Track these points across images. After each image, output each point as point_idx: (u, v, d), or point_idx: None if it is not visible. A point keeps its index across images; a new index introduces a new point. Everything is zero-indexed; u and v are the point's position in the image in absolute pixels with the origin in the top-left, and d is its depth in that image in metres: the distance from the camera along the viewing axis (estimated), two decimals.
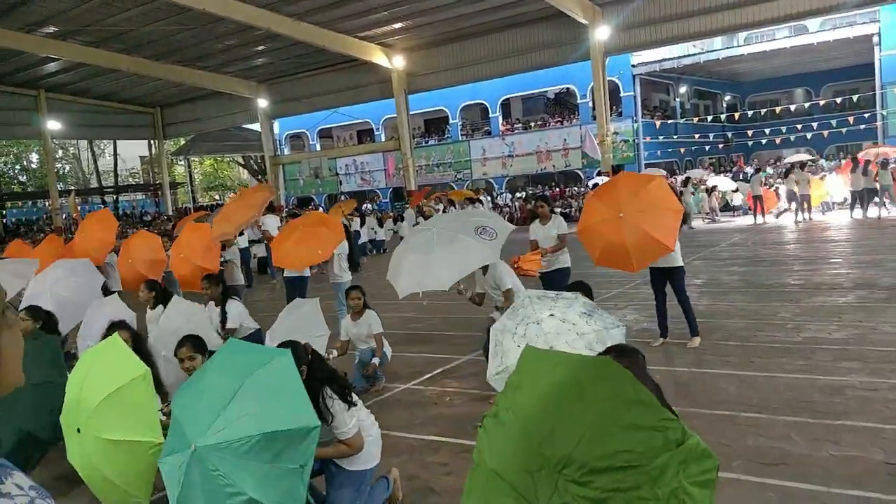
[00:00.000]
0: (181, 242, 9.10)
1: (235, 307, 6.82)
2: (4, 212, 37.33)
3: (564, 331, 4.47)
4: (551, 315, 4.59)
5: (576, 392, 2.22)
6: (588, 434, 2.10)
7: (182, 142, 42.42)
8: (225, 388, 3.15)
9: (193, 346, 4.39)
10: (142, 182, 50.43)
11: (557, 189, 30.06)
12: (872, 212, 18.05)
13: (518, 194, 31.05)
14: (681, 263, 7.05)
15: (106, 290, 8.54)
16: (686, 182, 22.35)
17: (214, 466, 3.03)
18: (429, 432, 5.20)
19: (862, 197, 18.18)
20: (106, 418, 3.77)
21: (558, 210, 25.97)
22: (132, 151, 48.73)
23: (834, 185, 20.60)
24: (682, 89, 34.55)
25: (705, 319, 7.76)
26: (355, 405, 3.67)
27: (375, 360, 6.43)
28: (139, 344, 4.83)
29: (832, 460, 4.01)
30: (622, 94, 29.99)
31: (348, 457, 3.64)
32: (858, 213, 18.21)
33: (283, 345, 3.88)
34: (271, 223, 12.70)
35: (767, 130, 29.53)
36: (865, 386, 5.25)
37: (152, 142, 37.02)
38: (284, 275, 9.25)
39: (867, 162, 18.25)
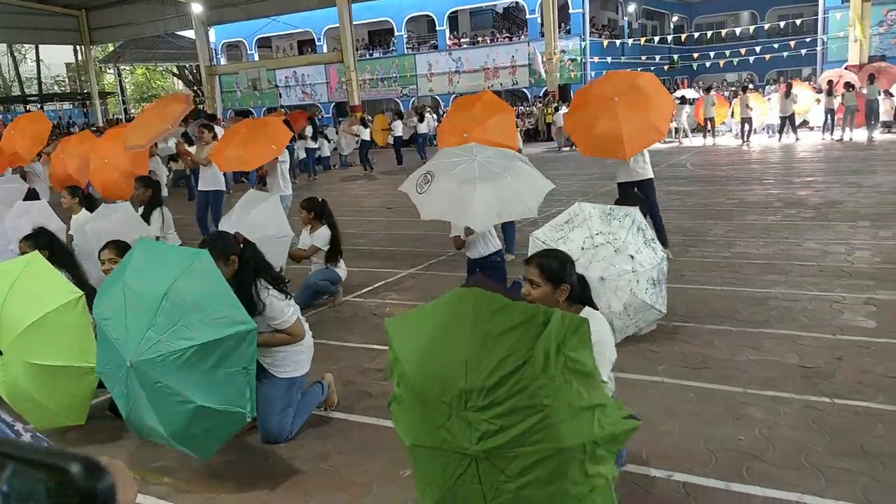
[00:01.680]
0: (102, 148, 8.69)
1: (159, 214, 6.62)
2: None
3: (626, 279, 4.34)
4: (631, 257, 4.38)
5: (444, 334, 2.24)
6: (470, 361, 2.12)
7: (111, 48, 40.05)
8: (149, 296, 3.06)
9: (117, 248, 4.23)
10: (68, 91, 47.70)
11: None
12: (836, 133, 18.63)
13: None
14: (650, 175, 6.98)
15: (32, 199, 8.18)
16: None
17: (156, 379, 3.00)
18: (366, 341, 5.24)
19: (792, 121, 18.73)
20: (35, 343, 3.62)
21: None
22: (57, 58, 45.87)
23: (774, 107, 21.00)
24: (631, 8, 34.19)
25: None
26: (290, 297, 3.64)
27: (336, 290, 6.33)
28: (59, 251, 4.60)
29: (751, 364, 4.22)
30: (571, 11, 29.49)
31: (289, 343, 3.62)
32: (790, 136, 18.81)
33: (208, 238, 3.79)
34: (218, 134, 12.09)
35: (712, 53, 29.67)
36: (787, 297, 5.50)
37: (79, 47, 34.87)
38: (198, 188, 8.99)
39: (830, 83, 18.77)
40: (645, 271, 4.43)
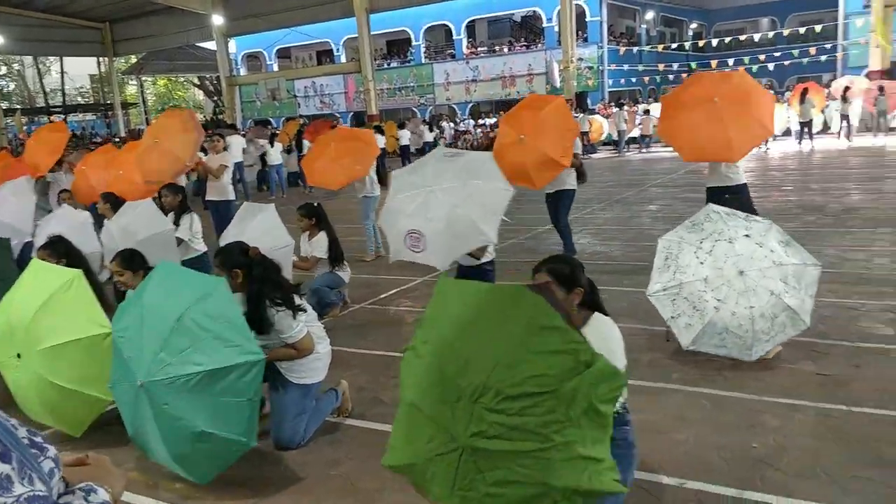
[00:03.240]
0: (121, 160, 8.86)
1: (189, 220, 6.68)
2: None
3: (760, 256, 4.11)
4: (747, 236, 4.19)
5: (489, 321, 2.22)
6: (502, 362, 2.11)
7: (133, 60, 40.63)
8: (164, 318, 3.14)
9: (122, 260, 4.25)
10: (91, 102, 48.41)
11: None
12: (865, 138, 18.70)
13: (481, 121, 30.68)
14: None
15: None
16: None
17: (164, 401, 3.07)
18: (380, 348, 5.26)
19: (809, 127, 18.66)
20: (42, 330, 3.68)
21: None
22: (80, 69, 46.55)
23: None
24: (649, 15, 34.08)
25: (654, 243, 7.86)
26: (303, 311, 3.66)
27: (335, 299, 6.27)
28: (75, 260, 4.66)
29: (766, 372, 4.18)
30: (588, 19, 29.48)
31: (297, 359, 3.64)
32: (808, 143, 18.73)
33: (221, 248, 3.83)
34: (236, 143, 12.13)
35: (730, 61, 29.47)
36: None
37: (101, 59, 35.41)
38: (206, 198, 9.05)
39: (846, 89, 18.82)
40: (778, 254, 4.13)
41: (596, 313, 2.80)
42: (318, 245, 6.18)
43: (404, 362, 2.47)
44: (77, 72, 46.70)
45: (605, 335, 2.66)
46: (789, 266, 4.13)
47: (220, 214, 9.02)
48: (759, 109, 6.24)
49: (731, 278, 4.09)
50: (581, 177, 7.44)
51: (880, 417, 3.53)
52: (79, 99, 50.19)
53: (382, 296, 6.87)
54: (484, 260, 5.55)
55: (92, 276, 4.57)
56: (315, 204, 6.40)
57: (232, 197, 9.09)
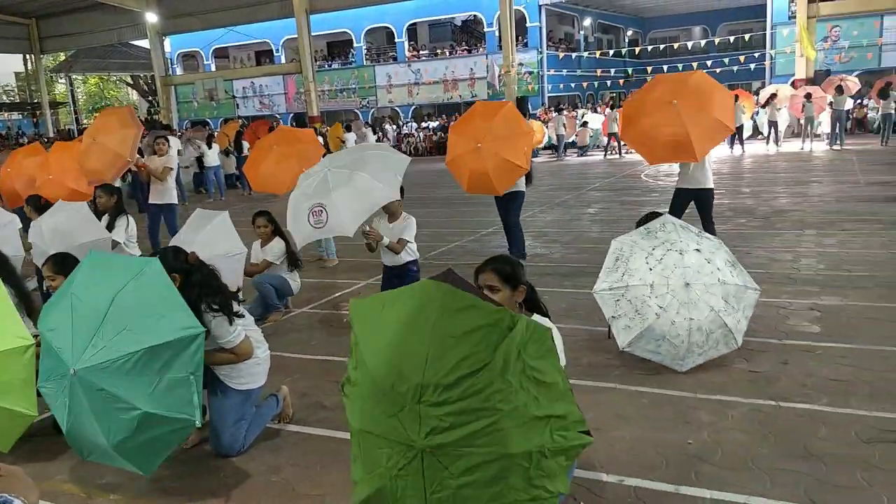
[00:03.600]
0: (50, 163, 8.51)
1: (125, 222, 6.50)
2: None
3: (707, 272, 4.18)
4: (697, 250, 4.27)
5: (407, 324, 2.24)
6: (431, 357, 2.13)
7: (62, 57, 39.13)
8: (96, 305, 3.01)
9: (53, 264, 4.11)
10: (17, 101, 46.37)
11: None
12: (806, 144, 19.65)
13: (424, 124, 30.75)
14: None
15: None
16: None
17: (100, 386, 2.92)
18: (322, 353, 5.20)
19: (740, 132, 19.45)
20: None
21: None
22: (5, 66, 44.55)
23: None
24: (587, 22, 34.80)
25: (594, 245, 8.05)
26: (241, 317, 3.58)
27: (278, 304, 6.21)
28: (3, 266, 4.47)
29: (700, 369, 4.31)
30: (528, 25, 29.89)
31: (236, 364, 3.57)
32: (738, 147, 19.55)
33: (156, 252, 3.72)
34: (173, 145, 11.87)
35: (665, 67, 30.34)
36: None
37: (28, 56, 33.98)
38: (150, 201, 8.84)
39: (773, 96, 19.74)
40: (724, 273, 4.23)
41: (535, 314, 2.84)
42: (271, 251, 6.15)
43: (344, 398, 2.46)
44: (1, 69, 44.70)
45: None
46: (732, 286, 4.26)
47: (164, 218, 8.79)
48: (719, 108, 6.31)
49: (677, 289, 4.20)
50: (529, 179, 7.51)
51: (806, 412, 3.68)
52: (4, 98, 47.98)
53: (324, 300, 6.80)
54: (408, 259, 5.59)
55: (16, 280, 4.38)
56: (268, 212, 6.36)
57: (175, 200, 8.88)
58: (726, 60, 28.46)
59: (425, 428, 2.12)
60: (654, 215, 4.84)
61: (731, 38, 30.90)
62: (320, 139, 19.83)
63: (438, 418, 2.11)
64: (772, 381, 4.11)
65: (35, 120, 37.41)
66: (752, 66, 29.50)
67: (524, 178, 7.36)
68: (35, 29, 31.71)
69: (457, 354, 2.11)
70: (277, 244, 6.17)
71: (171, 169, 8.75)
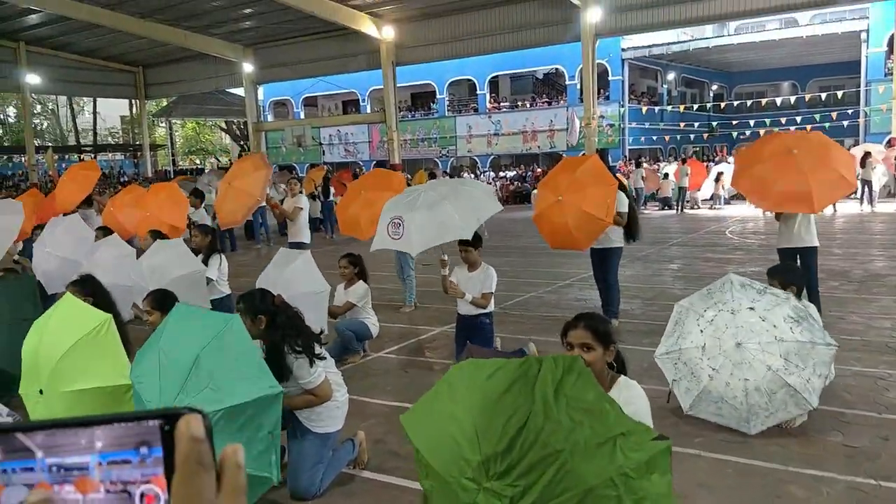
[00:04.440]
0: (147, 201, 9.06)
1: (218, 260, 6.78)
2: None
3: (761, 330, 4.03)
4: (751, 308, 4.13)
5: (450, 414, 2.24)
6: (479, 431, 2.12)
7: (164, 103, 41.70)
8: (181, 361, 3.16)
9: (153, 300, 4.32)
10: (121, 142, 49.60)
11: (540, 170, 30.05)
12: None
13: (501, 173, 31.00)
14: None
15: None
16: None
17: None
18: (398, 399, 5.22)
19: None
20: (69, 372, 3.70)
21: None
22: (112, 110, 47.90)
23: None
24: (671, 76, 34.56)
25: (676, 303, 7.81)
26: (322, 359, 3.66)
27: (357, 347, 6.30)
28: (101, 299, 4.73)
29: (792, 440, 4.09)
30: (610, 78, 29.93)
31: (315, 407, 3.62)
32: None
33: (245, 294, 3.86)
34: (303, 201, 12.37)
35: (752, 122, 29.69)
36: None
37: (134, 101, 36.37)
38: (289, 241, 9.20)
39: (867, 154, 18.88)
40: (781, 330, 4.03)
41: (623, 376, 2.77)
42: (354, 292, 6.28)
43: None
44: (109, 112, 48.07)
45: (632, 399, 2.63)
46: (793, 343, 4.03)
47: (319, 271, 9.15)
48: (840, 163, 6.13)
49: (728, 349, 4.06)
50: (632, 235, 7.09)
51: None
52: (109, 139, 51.39)
53: (401, 344, 6.85)
54: (481, 311, 5.57)
55: (117, 315, 4.63)
56: (356, 254, 6.54)
57: (307, 239, 9.18)
58: (817, 117, 27.62)
59: (505, 501, 2.10)
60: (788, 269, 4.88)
61: (823, 95, 30.02)
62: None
63: (512, 486, 2.08)
64: (871, 457, 3.85)
65: (135, 160, 39.81)
66: (845, 123, 28.47)
67: (622, 233, 7.01)
68: (141, 77, 33.96)
69: (501, 418, 2.11)
70: (360, 286, 6.31)
71: (301, 208, 9.11)
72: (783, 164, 5.99)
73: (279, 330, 3.61)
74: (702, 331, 4.19)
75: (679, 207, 21.63)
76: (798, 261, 6.32)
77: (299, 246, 8.91)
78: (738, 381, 4.01)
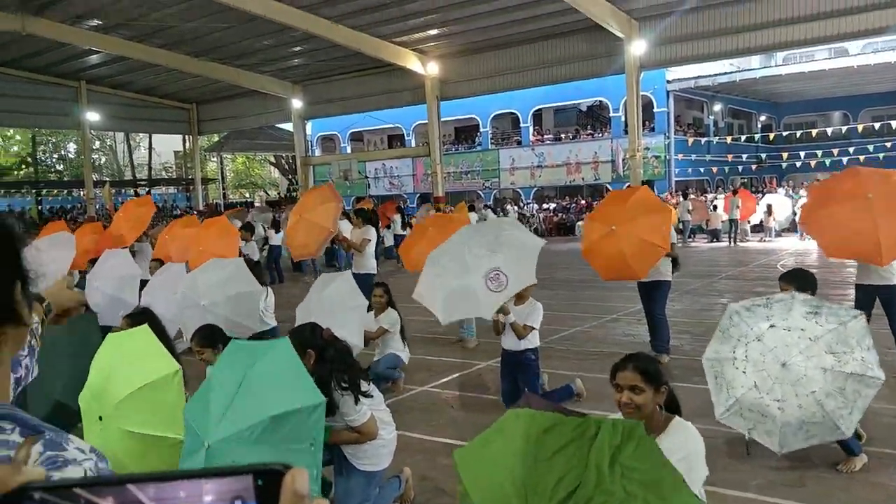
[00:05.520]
0: (200, 237, 9.29)
1: (264, 293, 6.94)
2: (40, 199, 38.11)
3: (794, 340, 3.92)
4: (772, 326, 4.03)
5: (501, 463, 2.19)
6: (528, 487, 2.07)
7: (216, 138, 43.02)
8: (229, 382, 3.23)
9: (200, 338, 4.43)
10: (174, 176, 51.21)
11: (584, 202, 29.93)
12: None
13: (545, 205, 30.96)
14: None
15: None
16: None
17: (231, 458, 3.08)
18: (444, 435, 5.20)
19: None
20: (133, 412, 3.78)
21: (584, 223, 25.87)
22: (167, 145, 49.57)
23: None
24: (717, 107, 34.21)
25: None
26: (370, 397, 3.67)
27: (398, 376, 6.46)
28: (156, 332, 4.85)
29: (854, 483, 3.94)
30: (655, 110, 29.78)
31: (361, 444, 3.63)
32: None
33: (295, 329, 3.92)
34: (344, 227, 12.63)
35: (802, 153, 29.12)
36: (891, 412, 5.14)
37: (187, 137, 37.57)
38: (353, 270, 9.35)
39: None
40: (810, 329, 3.88)
41: (677, 417, 2.71)
42: (386, 318, 6.52)
43: None
44: (163, 147, 49.74)
45: (686, 442, 2.57)
46: (827, 335, 3.89)
47: (361, 287, 9.28)
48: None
49: (778, 375, 3.92)
50: (676, 265, 7.05)
51: None
52: (163, 173, 53.12)
53: (445, 378, 6.84)
54: (525, 346, 5.53)
55: (168, 341, 4.75)
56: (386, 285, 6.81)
57: (373, 271, 9.33)
58: (870, 147, 26.96)
59: None
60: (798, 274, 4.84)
61: (876, 125, 29.32)
62: (473, 215, 20.54)
63: None
64: None
65: (188, 194, 41.01)
66: None
67: (670, 265, 6.92)
68: (195, 113, 35.14)
69: (552, 478, 2.06)
70: (392, 314, 6.57)
71: (369, 240, 9.27)
72: (854, 209, 5.60)
73: (328, 364, 3.64)
74: (744, 372, 4.06)
75: (731, 240, 21.19)
76: (877, 298, 5.99)
77: (366, 277, 9.00)
78: (807, 398, 3.85)
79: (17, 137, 48.48)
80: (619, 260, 6.53)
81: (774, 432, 4.00)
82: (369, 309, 6.42)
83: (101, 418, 3.87)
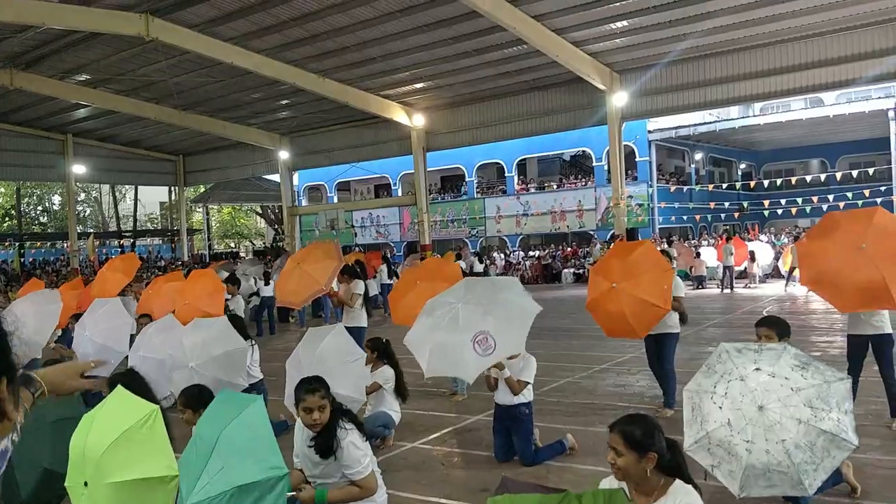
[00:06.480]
0: (186, 289, 9.23)
1: (250, 347, 6.89)
2: (23, 251, 37.80)
3: (776, 387, 3.89)
4: (757, 369, 4.01)
5: None
6: None
7: (202, 189, 43.10)
8: (208, 440, 3.29)
9: (186, 398, 4.39)
10: (160, 227, 51.08)
11: (570, 249, 30.14)
12: None
13: (531, 253, 31.13)
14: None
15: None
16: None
17: None
18: (435, 493, 5.10)
19: None
20: (114, 463, 3.70)
21: (570, 270, 26.06)
22: (152, 196, 49.53)
23: None
24: (698, 156, 34.86)
25: None
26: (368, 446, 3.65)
27: (387, 433, 6.36)
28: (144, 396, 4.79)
29: None
30: (638, 159, 30.30)
31: (360, 499, 3.58)
32: None
33: (306, 379, 3.89)
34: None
35: (783, 200, 29.62)
36: (885, 464, 5.12)
37: (173, 188, 37.65)
38: (344, 324, 9.28)
39: None
40: (794, 380, 3.87)
41: (677, 480, 2.68)
42: (381, 374, 6.43)
43: None
44: (148, 198, 49.68)
45: None
46: (809, 389, 3.87)
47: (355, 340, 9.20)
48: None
49: (753, 417, 3.90)
50: (683, 318, 6.98)
51: None
52: (148, 224, 52.98)
53: (436, 434, 6.75)
54: (518, 401, 5.48)
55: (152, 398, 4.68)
56: (383, 340, 6.67)
57: (364, 323, 9.25)
58: (850, 195, 27.46)
59: None
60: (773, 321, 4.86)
61: (854, 172, 29.96)
62: (462, 263, 20.56)
63: None
64: None
65: (173, 245, 40.85)
66: (879, 200, 28.25)
67: (677, 317, 6.85)
68: (181, 165, 35.30)
69: None
70: (387, 370, 6.47)
71: (359, 295, 9.21)
72: (853, 261, 5.54)
73: (335, 413, 3.65)
74: (720, 407, 4.03)
75: (725, 286, 20.95)
76: (870, 349, 5.96)
77: (357, 330, 8.92)
78: (777, 445, 3.83)
79: (1, 190, 48.35)
80: (619, 318, 6.49)
81: (737, 474, 3.97)
82: None
83: (85, 484, 3.77)
